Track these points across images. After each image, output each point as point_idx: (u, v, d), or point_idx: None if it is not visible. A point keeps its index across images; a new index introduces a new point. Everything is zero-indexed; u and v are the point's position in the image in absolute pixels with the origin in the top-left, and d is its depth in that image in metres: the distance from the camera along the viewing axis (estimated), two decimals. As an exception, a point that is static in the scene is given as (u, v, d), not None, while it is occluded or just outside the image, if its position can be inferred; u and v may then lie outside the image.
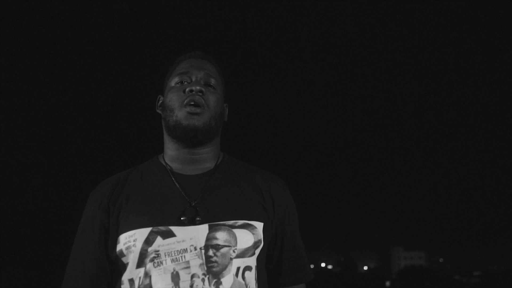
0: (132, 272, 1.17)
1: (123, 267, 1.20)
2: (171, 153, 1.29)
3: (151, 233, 1.15)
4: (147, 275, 1.14)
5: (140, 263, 1.15)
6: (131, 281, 1.16)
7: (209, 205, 1.20)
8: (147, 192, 1.24)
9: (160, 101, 1.36)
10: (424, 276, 59.51)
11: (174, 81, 1.31)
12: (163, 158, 1.32)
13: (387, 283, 59.80)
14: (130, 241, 1.16)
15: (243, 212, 1.20)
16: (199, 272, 1.12)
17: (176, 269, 1.12)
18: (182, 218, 1.16)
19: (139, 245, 1.15)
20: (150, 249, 1.14)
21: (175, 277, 1.12)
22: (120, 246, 1.19)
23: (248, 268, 1.16)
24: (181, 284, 1.11)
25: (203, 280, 1.12)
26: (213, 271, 1.13)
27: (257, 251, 1.20)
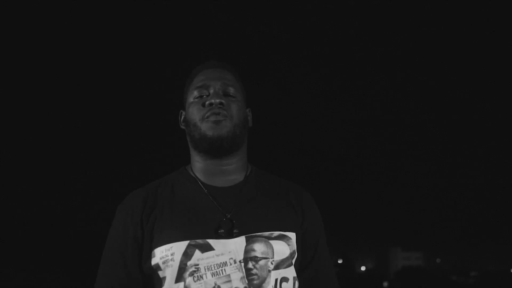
0: (170, 287, 1.14)
1: (159, 281, 1.17)
2: (199, 165, 1.28)
3: (188, 246, 1.14)
4: None
5: (179, 278, 1.13)
6: None
7: (244, 217, 1.19)
8: (181, 205, 1.22)
9: (183, 117, 1.34)
10: (422, 277, 59.73)
11: (192, 96, 1.28)
12: (192, 169, 1.31)
13: (385, 284, 60.12)
14: (168, 255, 1.14)
15: (277, 223, 1.21)
16: (241, 285, 1.12)
17: (218, 283, 1.11)
18: (220, 231, 1.16)
19: (177, 259, 1.13)
20: (189, 263, 1.13)
21: None
22: (156, 260, 1.16)
23: (285, 279, 1.17)
24: None
25: None
26: (254, 284, 1.13)
27: (293, 262, 1.21)
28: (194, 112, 1.24)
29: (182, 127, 1.34)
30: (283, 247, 1.18)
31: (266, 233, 1.17)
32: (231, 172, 1.26)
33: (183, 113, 1.34)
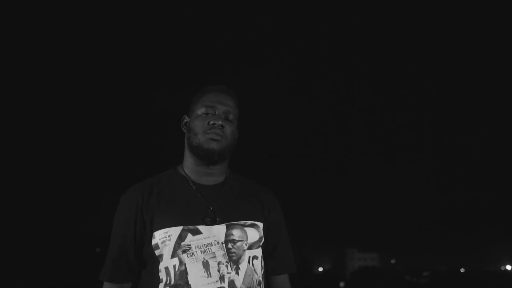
0: (167, 262, 1.48)
1: (156, 258, 1.51)
2: (191, 166, 1.62)
3: (183, 230, 1.48)
4: (182, 263, 1.46)
5: (174, 254, 1.47)
6: (167, 268, 1.48)
7: (224, 209, 1.55)
8: (174, 198, 1.56)
9: (185, 121, 1.67)
10: (377, 277, 61.15)
11: (200, 111, 1.60)
12: (183, 169, 1.65)
13: (342, 284, 61.11)
14: (166, 236, 1.48)
15: (249, 214, 1.58)
16: (223, 260, 1.47)
17: (206, 258, 1.46)
18: (206, 219, 1.51)
19: (173, 240, 1.47)
20: (183, 243, 1.47)
21: (206, 264, 1.46)
22: (155, 241, 1.50)
23: (255, 257, 1.54)
24: (210, 269, 1.46)
25: (226, 266, 1.47)
26: (233, 259, 1.49)
27: (261, 245, 1.58)
28: (198, 125, 1.57)
29: (183, 129, 1.67)
30: (254, 233, 1.55)
31: (242, 222, 1.55)
32: (214, 174, 1.61)
33: (186, 118, 1.66)
